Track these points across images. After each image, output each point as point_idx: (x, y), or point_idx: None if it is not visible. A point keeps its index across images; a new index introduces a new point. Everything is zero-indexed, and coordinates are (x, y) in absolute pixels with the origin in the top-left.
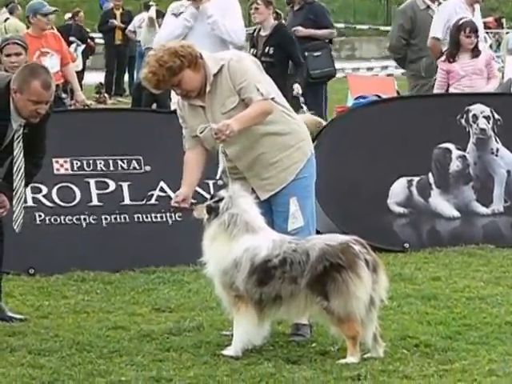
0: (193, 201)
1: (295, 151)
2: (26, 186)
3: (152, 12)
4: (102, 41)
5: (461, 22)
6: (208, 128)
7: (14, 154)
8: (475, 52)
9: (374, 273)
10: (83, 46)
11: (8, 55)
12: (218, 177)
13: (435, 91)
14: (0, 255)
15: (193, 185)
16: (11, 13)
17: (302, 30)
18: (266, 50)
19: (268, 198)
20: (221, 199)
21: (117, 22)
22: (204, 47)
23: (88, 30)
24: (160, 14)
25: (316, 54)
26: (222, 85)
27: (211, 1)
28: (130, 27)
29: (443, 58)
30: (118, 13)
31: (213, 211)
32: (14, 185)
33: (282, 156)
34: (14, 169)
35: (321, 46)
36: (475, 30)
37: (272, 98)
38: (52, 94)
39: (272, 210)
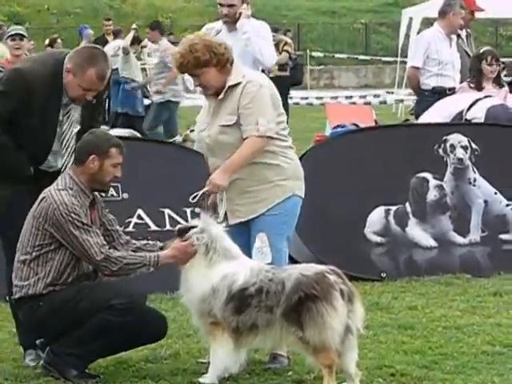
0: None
1: (273, 187)
2: None
3: (127, 40)
4: None
5: (481, 50)
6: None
7: (63, 128)
8: (497, 81)
9: (349, 303)
10: None
11: None
12: (196, 198)
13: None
14: None
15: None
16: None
17: None
18: None
19: (243, 225)
20: (193, 226)
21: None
22: None
23: None
24: (136, 41)
25: None
26: (232, 99)
27: (248, 20)
28: None
29: (464, 85)
30: (110, 39)
31: (183, 234)
32: (63, 161)
33: (258, 188)
34: (62, 145)
35: None
36: (497, 59)
37: (269, 136)
38: (105, 83)
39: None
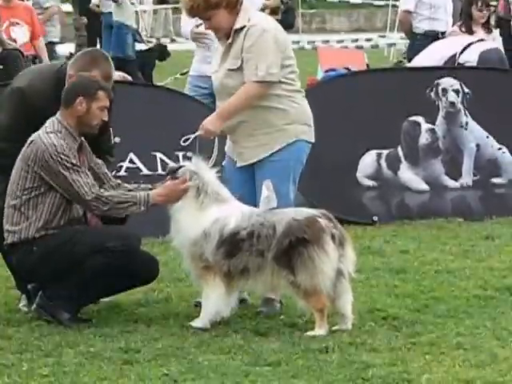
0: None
1: (277, 131)
2: None
3: None
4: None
5: None
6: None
7: None
8: (487, 26)
9: (340, 247)
10: None
11: None
12: (187, 141)
13: None
14: None
15: None
16: None
17: None
18: None
19: (249, 169)
20: (184, 166)
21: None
22: None
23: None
24: None
25: None
26: (237, 43)
27: None
28: (94, 0)
29: (455, 29)
30: None
31: (174, 173)
32: None
33: (262, 132)
34: None
35: None
36: (487, 4)
37: (268, 81)
38: (111, 82)
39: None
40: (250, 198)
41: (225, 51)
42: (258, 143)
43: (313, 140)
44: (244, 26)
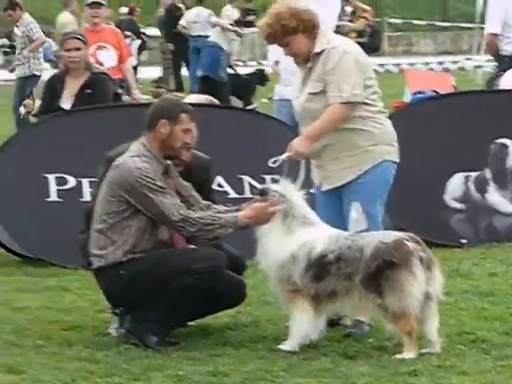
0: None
1: (362, 153)
2: None
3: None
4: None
5: None
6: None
7: None
8: None
9: (428, 270)
10: (138, 41)
11: (68, 50)
12: (276, 162)
13: None
14: None
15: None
16: (65, 6)
17: None
18: None
19: (336, 192)
20: (274, 190)
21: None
22: None
23: (140, 25)
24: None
25: None
26: (317, 67)
27: None
28: (182, 22)
29: None
30: (183, 7)
31: (265, 194)
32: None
33: (347, 154)
34: None
35: None
36: None
37: (353, 102)
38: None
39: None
40: (338, 221)
41: (305, 76)
42: (343, 166)
43: (398, 160)
44: (324, 50)
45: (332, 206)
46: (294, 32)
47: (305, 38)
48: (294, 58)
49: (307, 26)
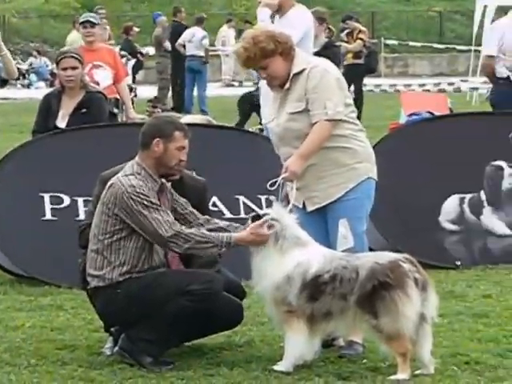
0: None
1: (348, 171)
2: None
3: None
4: (151, 53)
5: None
6: (280, 179)
7: None
8: None
9: (423, 291)
10: (134, 61)
11: (64, 69)
12: (274, 185)
13: None
14: None
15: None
16: (74, 25)
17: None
18: None
19: (320, 211)
20: (266, 214)
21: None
22: None
23: (137, 44)
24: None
25: None
26: (298, 87)
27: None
28: (180, 41)
29: None
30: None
31: (254, 220)
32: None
33: (333, 172)
34: None
35: None
36: None
37: (338, 120)
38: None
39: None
40: (322, 240)
41: (282, 97)
42: (329, 184)
43: (377, 179)
44: (304, 69)
45: (315, 224)
46: (273, 54)
47: (282, 60)
48: (269, 82)
49: (284, 47)
